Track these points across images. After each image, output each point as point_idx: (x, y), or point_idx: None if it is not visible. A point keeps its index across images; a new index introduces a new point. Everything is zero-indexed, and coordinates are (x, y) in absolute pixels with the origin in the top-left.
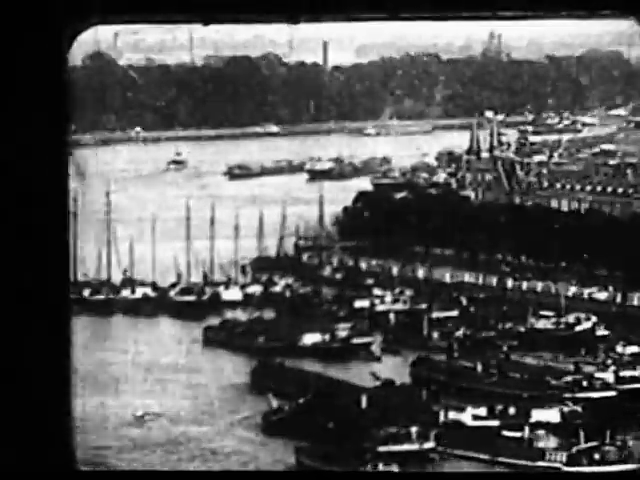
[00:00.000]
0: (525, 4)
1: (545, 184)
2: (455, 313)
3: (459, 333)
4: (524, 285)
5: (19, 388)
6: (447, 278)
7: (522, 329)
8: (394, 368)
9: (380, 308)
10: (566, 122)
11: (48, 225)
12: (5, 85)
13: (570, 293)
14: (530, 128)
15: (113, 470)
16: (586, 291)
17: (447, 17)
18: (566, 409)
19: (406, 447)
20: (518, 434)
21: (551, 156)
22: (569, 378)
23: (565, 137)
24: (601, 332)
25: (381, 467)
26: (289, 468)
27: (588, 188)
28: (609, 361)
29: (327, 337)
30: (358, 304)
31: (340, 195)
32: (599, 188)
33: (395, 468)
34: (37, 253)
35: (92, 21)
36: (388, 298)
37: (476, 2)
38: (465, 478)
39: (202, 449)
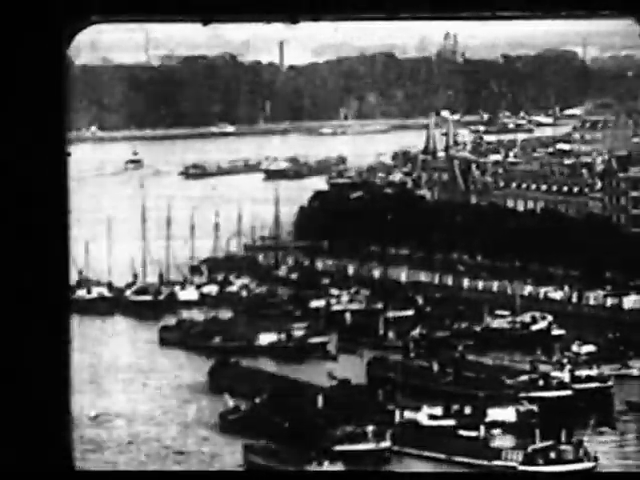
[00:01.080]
0: (525, 4)
1: (501, 184)
2: (411, 313)
3: (415, 333)
4: (480, 285)
5: (17, 388)
6: (403, 278)
7: (478, 329)
8: (350, 367)
9: (336, 308)
10: (521, 122)
11: (48, 225)
12: (5, 85)
13: (526, 293)
14: (486, 128)
15: (113, 470)
16: (542, 290)
17: (447, 17)
18: (522, 408)
19: (362, 446)
20: (474, 433)
21: (507, 156)
22: (525, 377)
23: (521, 137)
24: (557, 331)
25: (326, 465)
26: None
27: (544, 188)
28: (565, 360)
29: (283, 337)
30: (314, 304)
31: (296, 194)
32: (555, 188)
33: (340, 466)
34: (36, 253)
35: (91, 21)
36: (344, 298)
37: (477, 2)
38: (465, 478)
39: (160, 449)
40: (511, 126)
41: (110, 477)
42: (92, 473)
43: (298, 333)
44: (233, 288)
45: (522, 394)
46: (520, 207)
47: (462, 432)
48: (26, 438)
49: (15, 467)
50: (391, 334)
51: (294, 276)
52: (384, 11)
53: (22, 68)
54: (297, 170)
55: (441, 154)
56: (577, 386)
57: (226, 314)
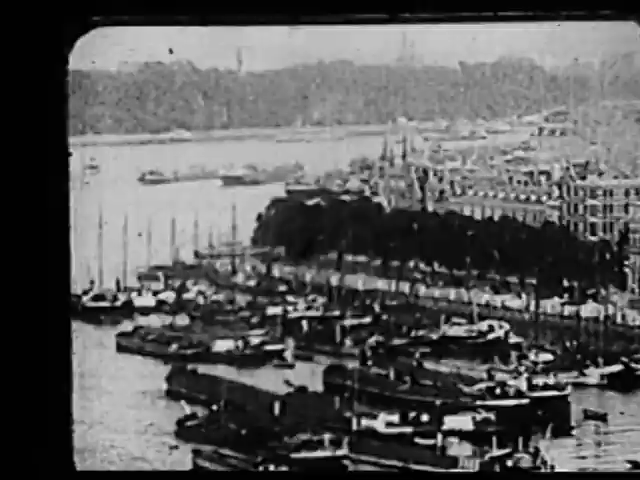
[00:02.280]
0: (525, 4)
1: (458, 191)
2: (368, 320)
3: (372, 340)
4: (437, 292)
5: (19, 390)
6: (360, 285)
7: (435, 337)
8: (307, 375)
9: (293, 315)
10: (479, 129)
11: (48, 226)
12: (4, 84)
13: (483, 301)
14: (443, 135)
15: (113, 470)
16: (499, 298)
17: (447, 18)
18: (479, 416)
19: (319, 454)
20: (431, 441)
21: (464, 163)
22: (482, 385)
23: (478, 144)
24: (514, 340)
25: (271, 468)
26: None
27: (501, 195)
28: (522, 368)
29: (240, 344)
30: (271, 311)
31: (253, 201)
32: (512, 195)
33: (284, 468)
34: (36, 254)
35: (93, 23)
36: (301, 305)
37: (477, 2)
38: (465, 478)
39: (116, 456)
40: (469, 133)
41: (110, 477)
42: (92, 473)
43: (255, 340)
44: (190, 295)
45: (479, 402)
46: (477, 215)
47: (419, 440)
48: (26, 439)
49: (16, 467)
50: (348, 342)
51: (251, 283)
52: (384, 12)
53: (23, 69)
54: (254, 177)
55: (398, 161)
56: (534, 394)
57: (183, 321)
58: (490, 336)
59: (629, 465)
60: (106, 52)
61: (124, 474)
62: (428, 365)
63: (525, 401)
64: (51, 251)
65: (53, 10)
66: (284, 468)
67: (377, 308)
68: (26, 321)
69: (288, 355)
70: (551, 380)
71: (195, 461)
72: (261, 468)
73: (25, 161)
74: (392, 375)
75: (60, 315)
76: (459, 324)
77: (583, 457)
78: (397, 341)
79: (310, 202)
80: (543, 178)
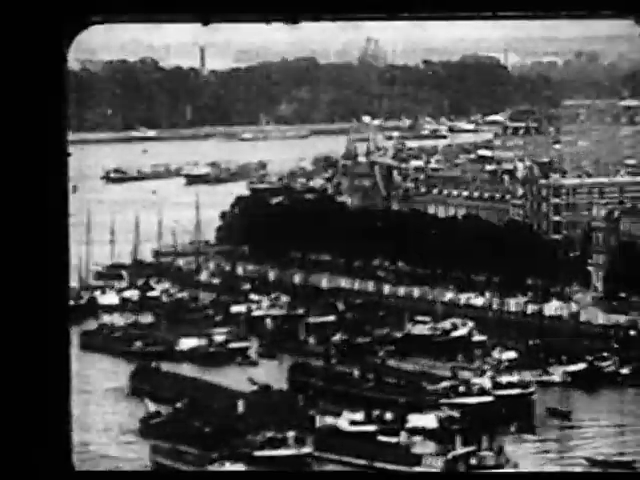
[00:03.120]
0: (525, 4)
1: (422, 190)
2: (332, 318)
3: (336, 338)
4: (401, 291)
5: (17, 391)
6: (324, 284)
7: (399, 335)
8: (271, 373)
9: (257, 313)
10: (443, 127)
11: (47, 226)
12: (4, 85)
13: (447, 299)
14: (407, 134)
15: (113, 470)
16: (463, 297)
17: (447, 17)
18: (443, 414)
19: (283, 452)
20: (395, 439)
21: (428, 162)
22: (446, 384)
23: (442, 143)
24: (478, 338)
25: (227, 466)
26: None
27: (465, 194)
28: (486, 367)
29: (204, 342)
30: (235, 309)
31: (217, 199)
32: (476, 194)
33: (241, 466)
34: (36, 255)
35: (92, 21)
36: (265, 303)
37: (477, 2)
38: (465, 478)
39: (80, 454)
40: (433, 132)
41: (110, 477)
42: (92, 473)
43: (219, 338)
44: (154, 293)
45: (443, 400)
46: (441, 213)
47: (383, 438)
48: (26, 440)
49: (15, 467)
50: (312, 340)
51: (215, 281)
52: (383, 11)
53: (21, 68)
54: (218, 175)
55: (362, 160)
56: (498, 392)
57: (147, 319)
58: (454, 334)
59: (586, 462)
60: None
61: (124, 474)
62: (392, 363)
63: (489, 399)
64: (50, 252)
65: (51, 9)
66: (240, 466)
67: (341, 306)
68: (25, 322)
69: (252, 353)
70: (515, 378)
71: (153, 457)
72: (216, 464)
73: (23, 162)
74: (356, 373)
75: (58, 315)
76: (423, 322)
77: (546, 454)
78: (361, 339)
79: (274, 200)
80: (507, 177)
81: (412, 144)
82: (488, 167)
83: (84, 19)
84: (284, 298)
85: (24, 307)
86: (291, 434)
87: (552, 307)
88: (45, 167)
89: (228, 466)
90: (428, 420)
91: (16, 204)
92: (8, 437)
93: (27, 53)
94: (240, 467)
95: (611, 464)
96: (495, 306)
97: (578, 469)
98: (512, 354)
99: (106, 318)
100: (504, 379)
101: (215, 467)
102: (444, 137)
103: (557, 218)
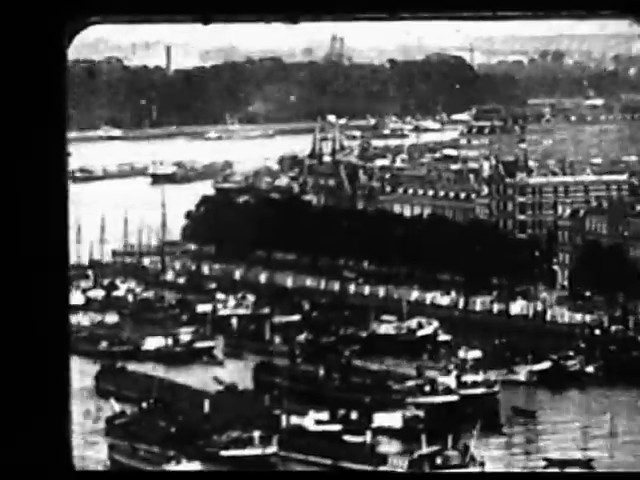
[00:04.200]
0: (525, 4)
1: (388, 189)
2: (297, 318)
3: (301, 338)
4: (366, 290)
5: (16, 388)
6: (289, 283)
7: (364, 334)
8: (237, 372)
9: (222, 312)
10: (408, 127)
11: (48, 226)
12: (3, 85)
13: (412, 298)
14: (373, 132)
15: (113, 470)
16: (428, 296)
17: (447, 17)
18: (408, 414)
19: (248, 452)
20: (360, 439)
21: (394, 161)
22: (411, 383)
23: (407, 142)
24: (443, 337)
25: (184, 463)
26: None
27: (431, 193)
28: (451, 366)
29: (170, 341)
30: (201, 308)
31: (183, 199)
32: (441, 193)
33: (198, 465)
34: (35, 255)
35: (91, 20)
36: (230, 302)
37: (476, 2)
38: (465, 478)
39: None
40: (399, 131)
41: (110, 477)
42: (92, 473)
43: (185, 338)
44: (119, 292)
45: (408, 399)
46: (407, 212)
47: (348, 437)
48: (26, 439)
49: (14, 467)
50: (277, 339)
51: (181, 281)
52: (384, 11)
53: (20, 67)
54: (184, 174)
55: (327, 159)
56: (463, 392)
57: (112, 318)
58: (419, 333)
59: (544, 462)
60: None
61: (124, 474)
62: (357, 362)
63: (454, 398)
64: (50, 252)
65: (51, 7)
66: (197, 465)
67: (306, 306)
68: (25, 322)
69: (218, 352)
70: (480, 377)
71: (110, 455)
72: (173, 463)
73: (22, 162)
74: (322, 373)
75: (59, 315)
76: (388, 322)
77: (512, 453)
78: (326, 339)
79: (239, 200)
80: (472, 176)
81: (377, 143)
82: (453, 166)
83: (84, 19)
84: (250, 297)
85: (24, 307)
86: (256, 434)
87: (517, 306)
88: (45, 167)
89: (184, 464)
90: (393, 419)
91: (16, 204)
92: (8, 437)
93: (27, 53)
94: (197, 466)
95: (570, 463)
96: (460, 305)
97: (539, 468)
98: (477, 353)
99: (72, 318)
100: (469, 378)
101: (171, 466)
102: (409, 136)
103: (522, 217)
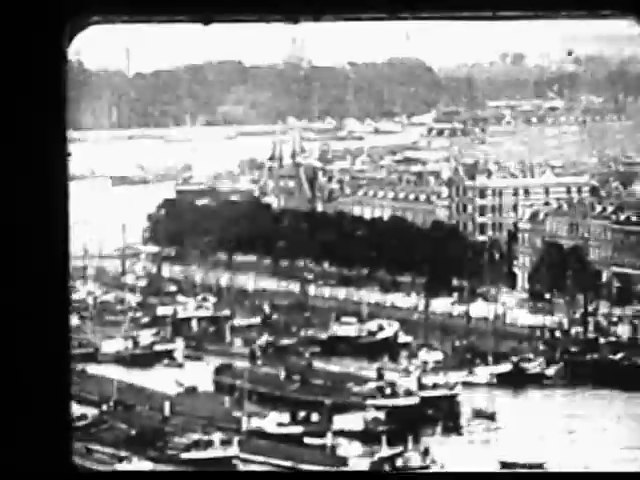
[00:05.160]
0: (525, 4)
1: (347, 191)
2: (257, 320)
3: (261, 340)
4: (326, 292)
5: (17, 388)
6: (250, 285)
7: (324, 336)
8: (197, 375)
9: (183, 315)
10: (368, 129)
11: (48, 228)
12: (3, 85)
13: (372, 300)
14: (333, 135)
15: (113, 471)
16: (388, 298)
17: (447, 17)
18: (369, 416)
19: (209, 454)
20: (321, 441)
21: (353, 163)
22: (372, 385)
23: (367, 144)
24: (403, 339)
25: (135, 462)
26: None
27: (391, 195)
28: (412, 368)
29: (130, 344)
30: (161, 311)
31: (143, 201)
32: (402, 195)
33: (149, 465)
34: (35, 256)
35: (91, 21)
36: (191, 305)
37: (476, 2)
38: (465, 478)
39: None
40: (358, 133)
41: (110, 477)
42: (92, 473)
43: (145, 340)
44: (79, 295)
45: (369, 402)
46: (367, 214)
47: (309, 440)
48: (26, 439)
49: (14, 468)
50: (238, 341)
51: (141, 283)
52: (384, 11)
53: (20, 67)
54: (144, 177)
55: (288, 161)
56: (424, 393)
57: (72, 321)
58: (380, 335)
59: (499, 465)
60: None
61: (124, 474)
62: (318, 364)
63: (415, 400)
64: (51, 255)
65: (51, 7)
66: (148, 464)
67: (267, 308)
68: (24, 322)
69: (178, 355)
70: (441, 379)
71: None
72: (125, 463)
73: (22, 162)
74: (282, 375)
75: (59, 316)
76: (349, 323)
77: (472, 455)
78: (287, 341)
79: (200, 202)
80: (432, 178)
81: (337, 145)
82: (413, 168)
83: (84, 19)
84: (210, 300)
85: (23, 308)
86: (217, 436)
87: (478, 308)
88: (45, 168)
89: (135, 463)
90: (354, 421)
91: (15, 204)
92: (7, 437)
93: (26, 53)
94: (148, 465)
95: (522, 465)
96: (421, 307)
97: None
98: (438, 355)
99: None
100: (430, 380)
101: (123, 465)
102: (369, 138)
103: (483, 219)
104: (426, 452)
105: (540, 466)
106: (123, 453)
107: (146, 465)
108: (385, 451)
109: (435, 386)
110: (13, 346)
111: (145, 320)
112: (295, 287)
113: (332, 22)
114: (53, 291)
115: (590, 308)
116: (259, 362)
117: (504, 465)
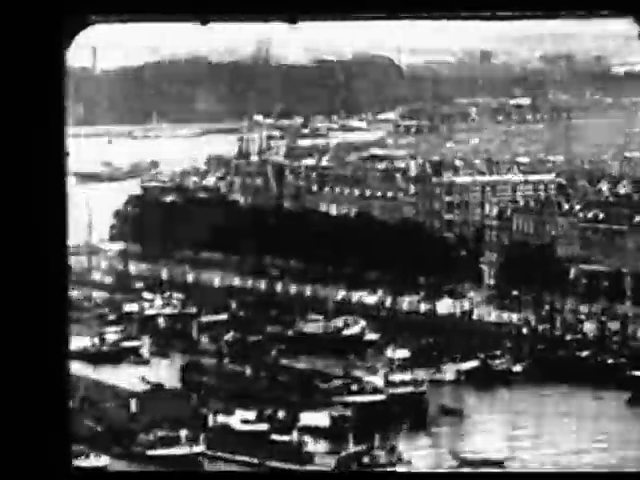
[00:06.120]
0: (525, 4)
1: (314, 188)
2: (224, 317)
3: (228, 337)
4: (293, 289)
5: (15, 388)
6: (216, 282)
7: (291, 333)
8: (163, 372)
9: (149, 312)
10: (335, 126)
11: (47, 227)
12: (3, 85)
13: (339, 297)
14: (299, 132)
15: (113, 471)
16: (355, 295)
17: (446, 17)
18: (335, 413)
19: (175, 450)
20: (287, 438)
21: (320, 160)
22: (338, 382)
23: (334, 141)
24: (370, 336)
25: (92, 458)
26: None
27: (357, 192)
28: (378, 365)
29: (96, 341)
30: (127, 308)
31: (110, 198)
32: (368, 192)
33: (105, 461)
34: (34, 256)
35: (90, 20)
36: (158, 302)
37: (476, 2)
38: (465, 478)
39: None
40: (324, 131)
41: (110, 477)
42: (92, 473)
43: (112, 337)
44: None
45: (335, 399)
46: (334, 211)
47: (275, 436)
48: (26, 440)
49: (14, 468)
50: (205, 338)
51: (108, 280)
52: (384, 11)
53: (19, 68)
54: (110, 174)
55: (254, 158)
56: (391, 391)
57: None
58: (346, 332)
59: (458, 462)
60: None
61: (124, 474)
62: (284, 362)
63: (382, 397)
64: (49, 253)
65: (50, 7)
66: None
67: (233, 305)
68: (24, 322)
69: (144, 352)
70: (408, 376)
71: None
72: (83, 458)
73: (22, 163)
74: (249, 372)
75: (58, 315)
76: (315, 320)
77: (439, 452)
78: (253, 338)
79: (166, 199)
80: (399, 175)
81: (304, 142)
82: (380, 165)
83: (83, 19)
84: (177, 296)
85: (23, 308)
86: (183, 433)
87: (445, 305)
88: (45, 168)
89: (92, 459)
90: (320, 419)
91: (15, 204)
92: (7, 437)
93: (26, 53)
94: (105, 461)
95: (482, 463)
96: (388, 304)
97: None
98: (405, 352)
99: None
100: (397, 377)
101: (81, 461)
102: (336, 135)
103: (449, 216)
104: (393, 449)
105: (500, 463)
106: (80, 447)
107: (103, 460)
108: (352, 448)
109: (402, 383)
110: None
111: (111, 317)
112: (262, 284)
113: (331, 22)
114: (52, 289)
115: (557, 305)
116: (225, 359)
117: (463, 462)
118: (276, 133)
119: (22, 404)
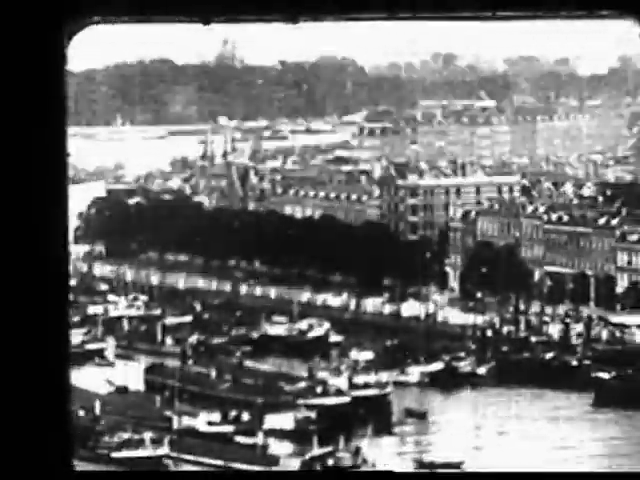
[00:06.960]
0: (525, 4)
1: (279, 190)
2: (189, 319)
3: (192, 339)
4: (257, 291)
5: (17, 389)
6: (181, 284)
7: (255, 335)
8: (128, 374)
9: (114, 314)
10: (299, 128)
11: (47, 227)
12: (2, 85)
13: (303, 299)
14: (264, 134)
15: (113, 471)
16: (320, 297)
17: (446, 17)
18: (299, 415)
19: (139, 453)
20: (251, 440)
21: (285, 162)
22: (303, 384)
23: (299, 143)
24: (334, 338)
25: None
26: None
27: (322, 194)
28: (343, 367)
29: None
30: (92, 310)
31: (73, 200)
32: (333, 194)
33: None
34: (34, 257)
35: (90, 21)
36: (122, 304)
37: (476, 2)
38: (465, 478)
39: None
40: (289, 133)
41: (110, 477)
42: (92, 473)
43: (76, 339)
44: None
45: (300, 401)
46: (298, 214)
47: (239, 439)
48: (26, 440)
49: (14, 468)
50: (169, 340)
51: (72, 282)
52: (384, 11)
53: (19, 68)
54: (74, 176)
55: (219, 160)
56: (355, 393)
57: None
58: (311, 335)
59: (415, 464)
60: None
61: (124, 474)
62: (249, 364)
63: (346, 399)
64: (49, 254)
65: (50, 8)
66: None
67: (198, 307)
68: (24, 322)
69: (109, 354)
70: (372, 378)
71: None
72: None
73: (22, 163)
74: (213, 374)
75: (58, 315)
76: (280, 323)
77: (403, 454)
78: (218, 340)
79: (131, 201)
80: (364, 177)
81: (268, 145)
82: (345, 168)
83: (83, 20)
84: (142, 298)
85: (23, 309)
86: (148, 435)
87: (409, 307)
88: (45, 168)
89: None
90: (285, 421)
91: (15, 204)
92: (7, 437)
93: (26, 54)
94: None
95: (439, 465)
96: (352, 306)
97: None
98: (369, 354)
99: None
100: (361, 379)
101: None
102: (300, 138)
103: (414, 218)
104: (357, 451)
105: (458, 465)
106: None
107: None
108: (316, 450)
109: (366, 385)
110: (13, 347)
111: (76, 319)
112: (226, 286)
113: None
114: (52, 289)
115: (521, 307)
116: (190, 361)
117: (420, 465)
118: (241, 135)
119: (22, 404)
